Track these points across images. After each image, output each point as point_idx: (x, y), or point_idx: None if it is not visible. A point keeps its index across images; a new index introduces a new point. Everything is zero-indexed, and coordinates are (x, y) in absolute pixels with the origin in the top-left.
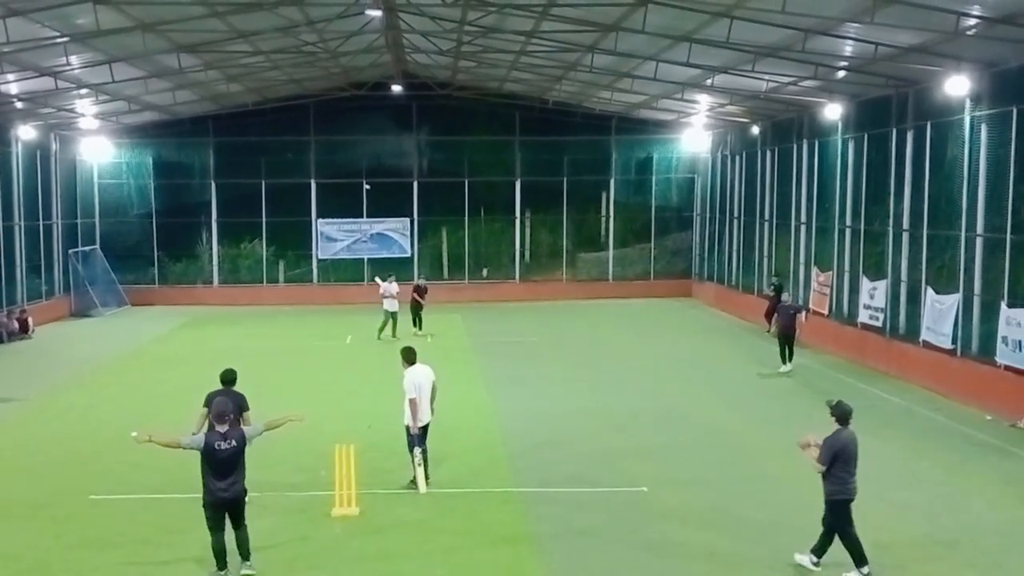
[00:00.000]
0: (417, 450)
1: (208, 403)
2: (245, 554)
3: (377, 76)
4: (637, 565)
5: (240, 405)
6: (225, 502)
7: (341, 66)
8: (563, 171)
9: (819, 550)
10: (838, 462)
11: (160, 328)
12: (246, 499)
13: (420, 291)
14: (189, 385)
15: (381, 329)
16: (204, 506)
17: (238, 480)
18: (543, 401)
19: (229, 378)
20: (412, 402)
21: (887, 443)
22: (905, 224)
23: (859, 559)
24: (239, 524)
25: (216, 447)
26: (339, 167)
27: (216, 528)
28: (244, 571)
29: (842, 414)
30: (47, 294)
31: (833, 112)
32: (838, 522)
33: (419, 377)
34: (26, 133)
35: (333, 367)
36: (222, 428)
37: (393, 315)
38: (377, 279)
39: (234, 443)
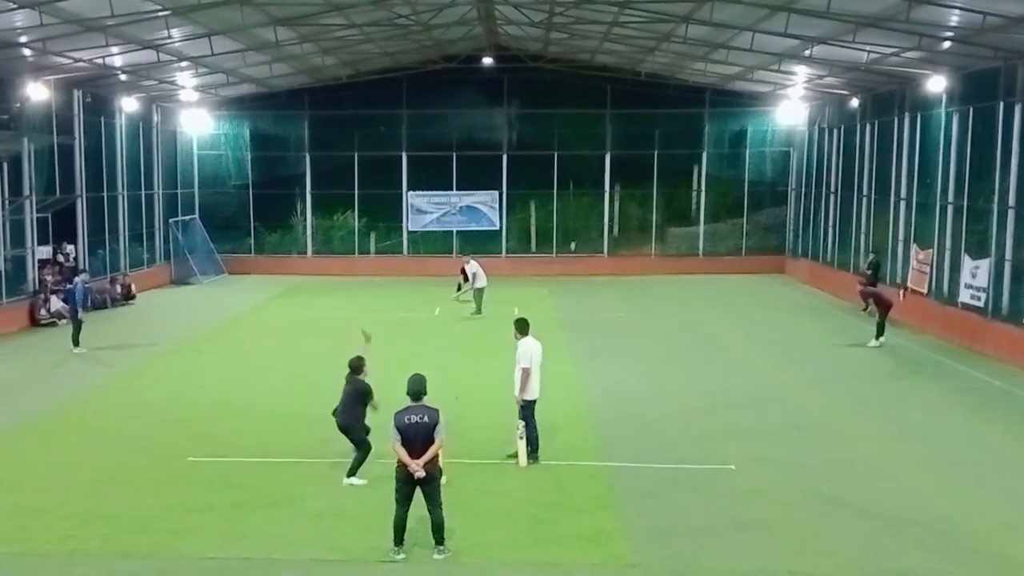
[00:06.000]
0: (520, 423)
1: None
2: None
3: (469, 49)
4: (723, 542)
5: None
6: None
7: (433, 39)
8: (654, 144)
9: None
10: None
11: (256, 297)
12: (442, 480)
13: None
14: (284, 353)
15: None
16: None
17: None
18: (630, 377)
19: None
20: (526, 371)
21: (988, 426)
22: (1011, 201)
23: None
24: (433, 504)
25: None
26: (430, 140)
27: (401, 501)
28: (436, 555)
29: None
30: (148, 262)
31: (937, 84)
32: None
33: (533, 348)
34: (129, 105)
35: (421, 338)
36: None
37: (480, 291)
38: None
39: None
